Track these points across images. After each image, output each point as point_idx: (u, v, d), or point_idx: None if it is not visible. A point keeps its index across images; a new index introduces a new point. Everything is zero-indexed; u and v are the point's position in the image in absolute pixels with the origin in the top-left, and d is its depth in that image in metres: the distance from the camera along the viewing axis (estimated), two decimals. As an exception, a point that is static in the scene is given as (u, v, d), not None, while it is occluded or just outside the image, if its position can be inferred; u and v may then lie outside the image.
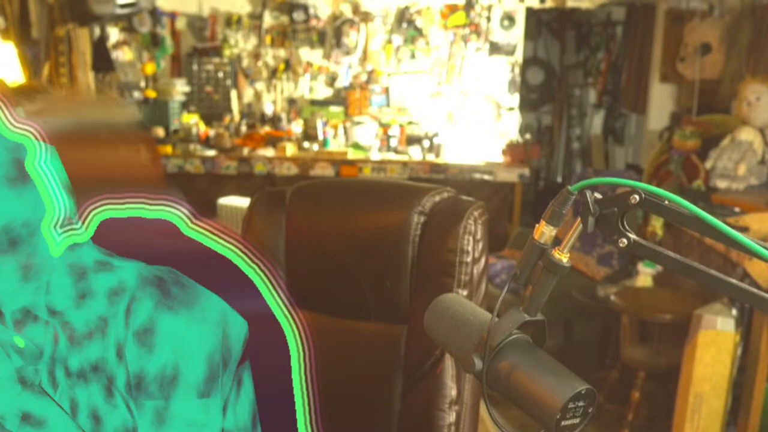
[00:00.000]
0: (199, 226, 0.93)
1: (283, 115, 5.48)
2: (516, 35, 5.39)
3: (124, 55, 5.30)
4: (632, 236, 0.74)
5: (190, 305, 0.92)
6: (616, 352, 3.49)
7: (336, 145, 5.28)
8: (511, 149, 5.13)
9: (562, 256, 0.76)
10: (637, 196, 0.72)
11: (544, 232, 0.77)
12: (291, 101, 5.58)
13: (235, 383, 0.94)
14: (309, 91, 5.58)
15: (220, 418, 0.92)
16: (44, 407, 0.90)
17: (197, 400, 0.90)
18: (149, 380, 0.89)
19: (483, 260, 1.36)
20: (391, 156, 5.18)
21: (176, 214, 0.90)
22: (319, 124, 5.34)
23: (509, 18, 5.35)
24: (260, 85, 5.61)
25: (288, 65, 5.53)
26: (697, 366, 2.68)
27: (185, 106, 5.54)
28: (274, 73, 5.57)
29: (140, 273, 0.93)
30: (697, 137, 3.89)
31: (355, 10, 5.42)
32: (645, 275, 3.48)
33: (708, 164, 3.79)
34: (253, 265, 0.93)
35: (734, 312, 2.71)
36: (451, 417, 1.33)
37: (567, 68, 6.70)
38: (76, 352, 0.91)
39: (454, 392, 1.33)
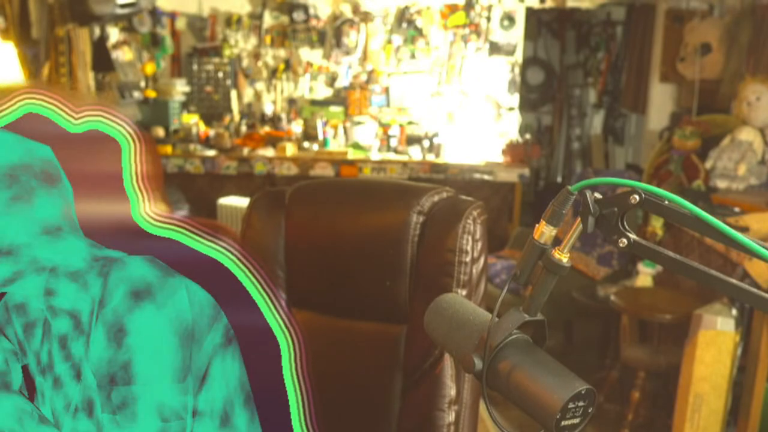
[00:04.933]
0: (192, 228, 0.93)
1: (283, 115, 5.47)
2: (516, 35, 5.39)
3: (124, 55, 5.29)
4: (632, 236, 0.74)
5: (157, 295, 0.93)
6: (616, 352, 3.49)
7: (336, 145, 5.28)
8: (511, 149, 5.13)
9: (562, 256, 0.76)
10: (637, 196, 0.72)
11: (544, 232, 0.77)
12: (291, 101, 5.58)
13: (211, 366, 0.95)
14: (309, 91, 5.58)
15: (190, 400, 0.93)
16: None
17: (167, 385, 0.91)
18: (115, 365, 0.90)
19: (482, 260, 1.36)
20: (391, 156, 5.18)
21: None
22: (319, 124, 5.34)
23: (509, 18, 5.35)
24: (260, 85, 5.61)
25: (288, 65, 5.53)
26: (697, 366, 2.68)
27: (185, 106, 5.54)
28: (274, 73, 5.57)
29: (116, 262, 0.94)
30: (697, 137, 3.89)
31: (355, 10, 5.41)
32: (645, 275, 3.48)
33: (708, 164, 3.79)
34: (245, 269, 0.93)
35: (734, 312, 2.71)
36: (451, 417, 1.33)
37: (567, 68, 6.70)
38: (47, 340, 0.92)
39: (453, 392, 1.33)
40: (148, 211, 0.93)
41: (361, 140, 5.28)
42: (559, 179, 6.70)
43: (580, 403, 0.73)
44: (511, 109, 5.46)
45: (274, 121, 5.46)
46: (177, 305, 0.92)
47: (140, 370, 0.91)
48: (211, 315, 0.95)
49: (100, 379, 0.90)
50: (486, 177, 4.99)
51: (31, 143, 0.92)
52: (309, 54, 5.53)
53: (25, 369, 0.93)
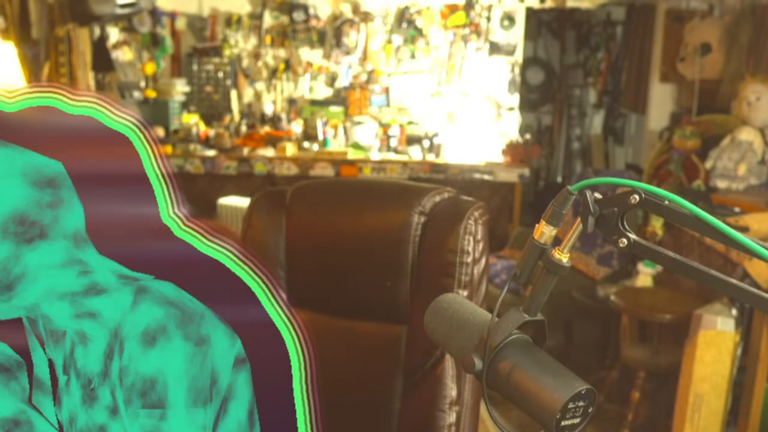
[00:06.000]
0: (195, 230, 0.93)
1: (283, 115, 5.47)
2: (516, 35, 5.39)
3: (124, 55, 5.29)
4: (632, 236, 0.75)
5: (184, 326, 0.92)
6: (616, 352, 3.49)
7: (336, 145, 5.28)
8: (511, 149, 5.13)
9: (562, 256, 0.76)
10: (637, 196, 0.72)
11: (544, 232, 0.77)
12: (291, 101, 5.58)
13: (226, 397, 0.95)
14: (309, 91, 5.58)
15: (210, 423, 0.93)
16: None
17: (185, 415, 0.91)
18: (136, 395, 0.90)
19: (483, 260, 1.36)
20: (391, 156, 5.18)
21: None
22: (319, 124, 5.34)
23: (509, 18, 5.35)
24: (260, 85, 5.61)
25: (288, 65, 5.53)
26: (697, 366, 2.68)
27: (185, 106, 5.54)
28: (274, 73, 5.57)
29: (140, 289, 0.93)
30: (697, 137, 3.89)
31: (355, 10, 5.41)
32: (645, 275, 3.48)
33: (708, 164, 3.79)
34: (251, 272, 0.93)
35: (734, 312, 2.71)
36: (452, 417, 1.33)
37: (567, 68, 6.70)
38: (76, 364, 0.91)
39: (454, 393, 1.33)
40: (177, 212, 0.92)
41: (361, 140, 5.28)
42: (559, 179, 6.70)
43: (580, 403, 0.73)
44: (511, 109, 5.46)
45: (274, 121, 5.46)
46: (200, 334, 0.92)
47: (163, 396, 0.90)
48: (230, 341, 0.95)
49: (123, 400, 0.90)
50: (486, 177, 4.99)
51: (39, 165, 0.89)
52: (309, 54, 5.53)
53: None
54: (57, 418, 0.91)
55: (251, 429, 0.98)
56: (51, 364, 0.91)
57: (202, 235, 0.93)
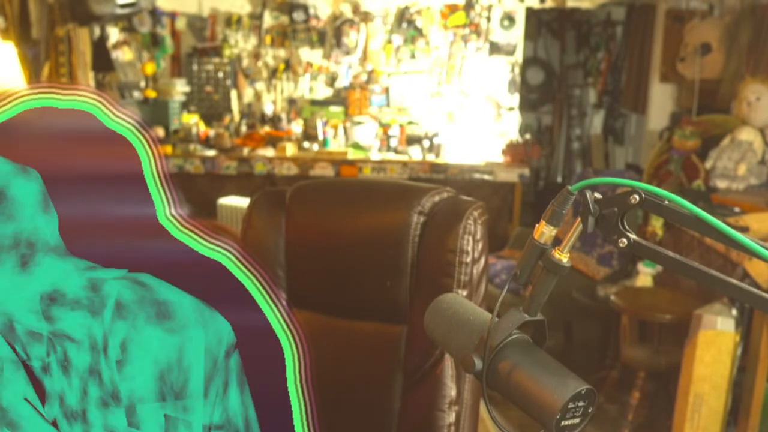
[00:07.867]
0: (192, 229, 0.93)
1: (283, 115, 5.47)
2: (516, 35, 5.39)
3: (124, 55, 5.29)
4: (632, 236, 0.75)
5: (165, 316, 0.92)
6: (616, 352, 3.49)
7: (336, 145, 5.28)
8: (511, 149, 5.13)
9: (562, 256, 0.76)
10: (637, 196, 0.72)
11: (544, 232, 0.77)
12: (291, 101, 5.58)
13: (223, 382, 0.95)
14: (309, 91, 5.58)
15: (205, 417, 0.92)
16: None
17: (178, 403, 0.91)
18: (125, 388, 0.90)
19: (483, 260, 1.36)
20: (391, 156, 5.18)
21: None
22: (319, 124, 5.34)
23: (509, 18, 5.35)
24: (260, 85, 5.61)
25: (288, 65, 5.53)
26: (697, 366, 2.68)
27: (185, 106, 5.53)
28: (274, 73, 5.57)
29: (119, 284, 0.93)
30: (697, 137, 3.89)
31: (355, 10, 5.41)
32: (645, 275, 3.48)
33: (708, 164, 3.79)
34: (247, 272, 0.93)
35: (734, 312, 2.71)
36: (451, 417, 1.33)
37: (567, 68, 6.70)
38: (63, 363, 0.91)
39: (453, 392, 1.33)
40: (173, 213, 0.92)
41: (361, 140, 5.28)
42: (559, 179, 6.70)
43: (580, 403, 0.73)
44: (511, 109, 5.46)
45: (274, 121, 5.46)
46: (190, 326, 0.92)
47: (156, 389, 0.90)
48: (224, 331, 0.95)
49: (110, 400, 0.90)
50: (486, 177, 4.99)
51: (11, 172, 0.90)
52: (309, 54, 5.53)
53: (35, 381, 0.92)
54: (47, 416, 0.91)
55: (247, 411, 0.97)
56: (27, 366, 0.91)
57: (200, 236, 0.93)
